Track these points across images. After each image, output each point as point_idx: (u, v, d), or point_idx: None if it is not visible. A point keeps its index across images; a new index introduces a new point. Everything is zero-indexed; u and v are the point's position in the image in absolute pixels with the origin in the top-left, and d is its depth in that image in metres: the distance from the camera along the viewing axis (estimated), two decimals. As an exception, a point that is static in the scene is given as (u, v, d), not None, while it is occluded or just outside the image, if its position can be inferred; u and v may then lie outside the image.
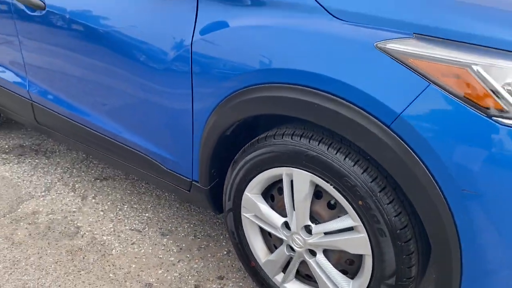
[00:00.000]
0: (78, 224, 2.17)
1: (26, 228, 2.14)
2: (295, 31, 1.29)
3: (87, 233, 2.10)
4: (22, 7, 2.07)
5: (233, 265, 1.91)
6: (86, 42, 1.84)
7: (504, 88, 1.05)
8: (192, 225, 2.17)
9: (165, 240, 2.06)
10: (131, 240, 2.05)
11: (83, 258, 1.95)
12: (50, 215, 2.23)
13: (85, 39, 1.84)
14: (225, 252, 1.98)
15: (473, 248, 1.13)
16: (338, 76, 1.20)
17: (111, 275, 1.85)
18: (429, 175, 1.12)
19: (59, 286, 1.79)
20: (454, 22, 1.14)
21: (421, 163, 1.13)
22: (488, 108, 1.05)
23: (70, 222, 2.18)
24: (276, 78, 1.32)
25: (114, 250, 1.99)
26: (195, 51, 1.49)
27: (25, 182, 2.53)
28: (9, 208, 2.30)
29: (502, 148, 1.05)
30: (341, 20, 1.24)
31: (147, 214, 2.24)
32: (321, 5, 1.27)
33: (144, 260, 1.94)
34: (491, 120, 1.05)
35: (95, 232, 2.11)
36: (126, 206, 2.31)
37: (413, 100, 1.11)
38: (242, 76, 1.39)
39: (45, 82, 2.20)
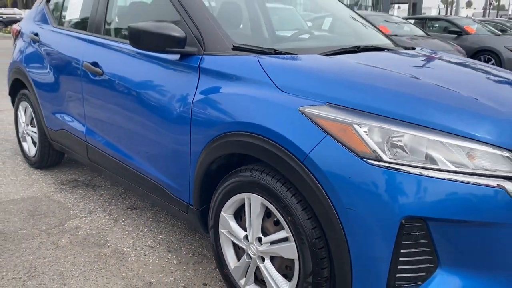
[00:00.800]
0: (107, 238, 2.79)
1: (69, 237, 2.78)
2: (254, 97, 1.91)
3: (112, 245, 2.71)
4: (88, 73, 2.86)
5: (217, 276, 2.42)
6: (124, 99, 2.56)
7: (372, 140, 1.59)
8: (193, 247, 2.72)
9: (169, 255, 2.62)
10: (144, 253, 2.63)
11: (106, 261, 2.54)
12: (87, 230, 2.88)
13: (124, 97, 2.56)
14: (213, 268, 2.50)
15: (356, 246, 1.61)
16: (274, 127, 1.78)
17: (123, 274, 2.42)
18: (327, 198, 1.65)
19: (85, 276, 2.39)
20: (352, 97, 1.71)
21: (323, 190, 1.66)
22: (361, 153, 1.59)
23: (101, 236, 2.81)
24: (240, 128, 1.92)
25: (130, 258, 2.57)
26: (194, 108, 2.14)
27: (74, 206, 3.22)
28: (59, 222, 2.97)
29: (368, 179, 1.57)
30: (283, 91, 1.85)
31: (160, 236, 2.83)
32: (273, 82, 1.89)
33: (150, 267, 2.50)
34: (362, 161, 1.58)
35: (119, 245, 2.71)
36: (146, 229, 2.91)
37: (316, 145, 1.66)
38: (220, 126, 2.01)
39: (97, 128, 2.94)
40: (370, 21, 3.23)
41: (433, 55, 2.67)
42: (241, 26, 2.86)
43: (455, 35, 11.48)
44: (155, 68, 2.42)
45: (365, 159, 1.58)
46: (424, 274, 1.60)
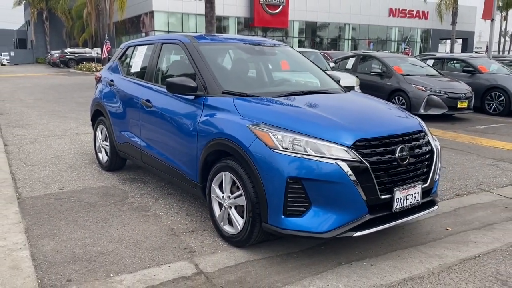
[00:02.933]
0: (150, 208, 4.50)
1: (127, 206, 4.52)
2: (228, 119, 3.59)
3: (152, 211, 4.41)
4: (144, 106, 4.67)
5: (211, 226, 4.04)
6: (163, 121, 4.33)
7: (276, 139, 3.21)
8: (201, 214, 4.36)
9: (187, 217, 4.28)
10: (171, 215, 4.31)
11: (148, 218, 4.24)
12: (138, 204, 4.61)
13: (163, 120, 4.32)
14: (210, 222, 4.13)
15: (269, 193, 3.21)
16: (235, 135, 3.44)
17: (157, 224, 4.10)
18: (256, 169, 3.26)
19: (136, 224, 4.09)
20: (273, 119, 3.36)
21: (255, 166, 3.27)
22: (271, 146, 3.21)
23: (147, 207, 4.52)
24: (221, 136, 3.59)
25: (162, 217, 4.25)
26: (199, 126, 3.84)
27: (130, 191, 4.99)
28: (121, 199, 4.73)
29: (273, 159, 3.17)
30: (242, 117, 3.52)
31: (183, 207, 4.51)
32: (238, 113, 3.57)
33: (174, 221, 4.16)
34: (271, 150, 3.19)
35: (156, 211, 4.41)
36: (175, 204, 4.60)
37: (252, 143, 3.30)
38: (212, 135, 3.69)
39: (148, 140, 4.71)
40: (332, 75, 4.85)
41: (350, 95, 4.26)
42: (236, 76, 4.57)
43: (469, 74, 12.68)
44: (180, 103, 4.17)
45: (272, 149, 3.19)
46: (302, 209, 3.16)
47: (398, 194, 3.28)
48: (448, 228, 4.03)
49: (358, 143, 3.19)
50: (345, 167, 3.10)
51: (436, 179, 3.66)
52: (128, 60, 5.60)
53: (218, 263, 3.35)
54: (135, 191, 5.02)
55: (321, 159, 3.12)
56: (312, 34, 46.77)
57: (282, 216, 3.17)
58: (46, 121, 9.61)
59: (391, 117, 3.73)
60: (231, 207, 3.61)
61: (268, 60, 4.94)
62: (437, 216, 4.29)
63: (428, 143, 3.62)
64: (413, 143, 3.46)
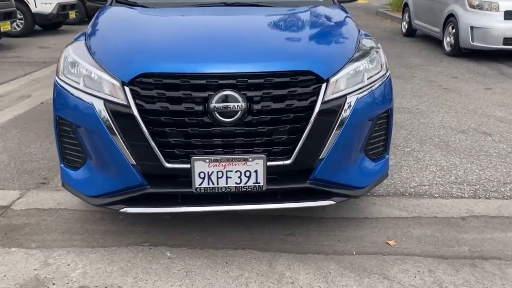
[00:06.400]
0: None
1: None
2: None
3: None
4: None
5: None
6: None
7: (65, 60, 2.36)
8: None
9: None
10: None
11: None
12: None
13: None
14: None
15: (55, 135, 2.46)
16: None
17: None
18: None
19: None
20: (94, 38, 2.48)
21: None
22: (59, 70, 2.38)
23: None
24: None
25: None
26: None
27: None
28: None
29: (55, 92, 2.37)
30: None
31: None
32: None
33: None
34: (56, 77, 2.39)
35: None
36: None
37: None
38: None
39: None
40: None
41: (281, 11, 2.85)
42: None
43: None
44: None
45: (57, 76, 2.38)
46: (78, 160, 2.32)
47: (202, 166, 2.09)
48: (389, 242, 2.49)
49: (142, 79, 2.09)
50: (103, 111, 2.11)
51: (324, 156, 2.20)
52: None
53: (35, 203, 2.86)
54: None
55: (83, 96, 2.19)
56: None
57: (61, 165, 2.42)
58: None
59: (265, 46, 2.34)
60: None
61: None
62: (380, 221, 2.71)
63: (313, 97, 2.15)
64: (271, 91, 2.10)
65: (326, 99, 2.16)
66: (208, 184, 2.13)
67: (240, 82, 2.09)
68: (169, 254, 2.35)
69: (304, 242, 2.47)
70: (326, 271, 2.23)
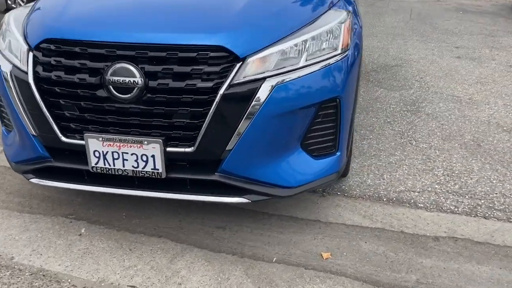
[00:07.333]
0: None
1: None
2: None
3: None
4: None
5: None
6: None
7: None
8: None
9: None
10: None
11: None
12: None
13: None
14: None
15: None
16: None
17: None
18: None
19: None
20: None
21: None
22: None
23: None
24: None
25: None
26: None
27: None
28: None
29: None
30: None
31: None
32: None
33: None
34: None
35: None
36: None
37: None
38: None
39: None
40: None
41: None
42: None
43: None
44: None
45: None
46: (7, 122, 2.31)
47: (95, 144, 1.93)
48: (323, 254, 2.14)
49: (45, 45, 1.96)
50: (9, 76, 2.04)
51: (232, 147, 1.90)
52: None
53: None
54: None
55: (1, 60, 2.13)
56: None
57: (2, 127, 2.43)
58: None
59: (182, 14, 2.02)
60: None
61: None
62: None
63: (221, 78, 1.84)
64: (172, 67, 1.85)
65: (235, 81, 1.83)
66: (104, 165, 1.96)
67: (140, 55, 1.86)
68: (83, 231, 2.26)
69: (228, 239, 2.21)
70: (226, 276, 1.96)
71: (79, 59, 1.90)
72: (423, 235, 2.24)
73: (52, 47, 1.94)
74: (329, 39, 2.02)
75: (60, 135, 1.98)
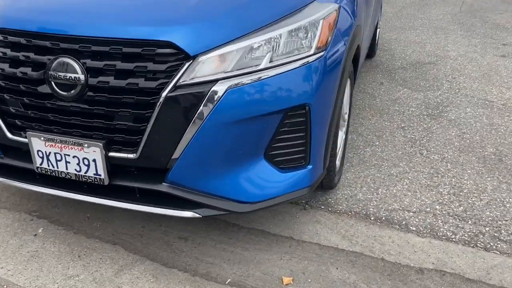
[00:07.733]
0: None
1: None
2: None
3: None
4: None
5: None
6: None
7: None
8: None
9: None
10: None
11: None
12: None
13: None
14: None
15: None
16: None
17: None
18: None
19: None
20: None
21: None
22: None
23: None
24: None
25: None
26: None
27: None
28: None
29: None
30: None
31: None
32: None
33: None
34: None
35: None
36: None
37: None
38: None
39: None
40: None
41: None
42: None
43: None
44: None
45: None
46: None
47: (38, 144, 1.80)
48: (284, 279, 1.92)
49: None
50: (-40, 68, 1.93)
51: (178, 156, 1.71)
52: None
53: None
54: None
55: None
56: None
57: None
58: None
59: (137, 6, 1.81)
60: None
61: None
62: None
63: (166, 79, 1.65)
64: (115, 64, 1.68)
65: (181, 82, 1.63)
66: (48, 166, 1.83)
67: (83, 48, 1.69)
68: (40, 231, 2.16)
69: (186, 252, 2.02)
70: (168, 297, 1.79)
71: (24, 51, 1.77)
72: (405, 265, 1.95)
73: (1, 37, 1.82)
74: (302, 36, 1.76)
75: (6, 131, 1.87)
